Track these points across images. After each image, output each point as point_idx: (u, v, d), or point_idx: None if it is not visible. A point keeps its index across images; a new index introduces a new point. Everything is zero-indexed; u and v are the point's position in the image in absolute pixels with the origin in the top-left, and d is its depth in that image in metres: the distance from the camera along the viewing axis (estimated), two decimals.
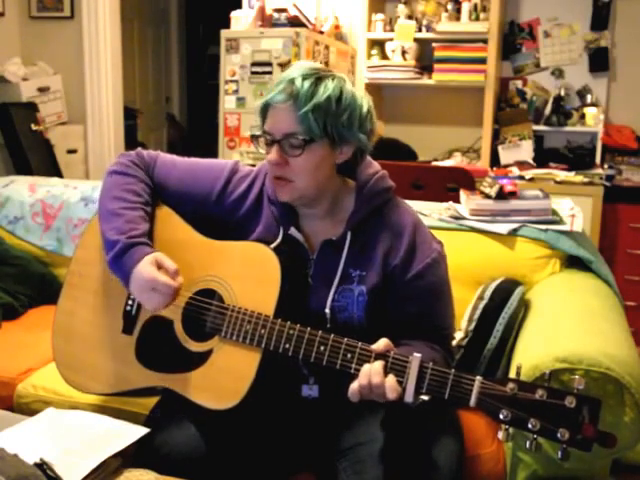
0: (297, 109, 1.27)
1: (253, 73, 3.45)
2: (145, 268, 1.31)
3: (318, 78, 1.29)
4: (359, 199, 1.40)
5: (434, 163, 3.75)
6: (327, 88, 1.28)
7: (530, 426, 1.06)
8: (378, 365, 1.17)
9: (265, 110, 1.33)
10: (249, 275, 1.33)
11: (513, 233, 1.92)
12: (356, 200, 1.40)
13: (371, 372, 1.16)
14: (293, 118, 1.28)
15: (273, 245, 1.36)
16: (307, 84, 1.28)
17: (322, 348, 1.23)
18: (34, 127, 3.73)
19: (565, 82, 3.82)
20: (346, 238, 1.38)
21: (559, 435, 1.05)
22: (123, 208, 1.39)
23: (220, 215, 1.45)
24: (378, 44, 3.96)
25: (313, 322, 1.28)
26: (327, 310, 1.34)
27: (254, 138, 1.36)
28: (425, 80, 3.85)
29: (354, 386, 1.18)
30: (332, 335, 1.23)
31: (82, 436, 1.26)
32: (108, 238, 1.37)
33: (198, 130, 6.48)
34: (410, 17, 3.90)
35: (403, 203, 1.46)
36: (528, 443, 1.08)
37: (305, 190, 1.34)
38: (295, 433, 1.38)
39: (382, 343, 1.20)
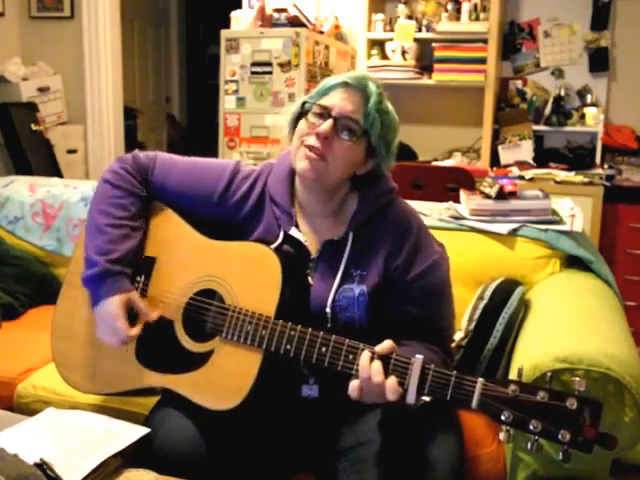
0: (366, 102, 1.33)
1: (253, 73, 3.45)
2: (113, 307, 1.34)
3: (381, 93, 1.36)
4: (362, 200, 1.40)
5: (434, 163, 3.75)
6: (388, 105, 1.37)
7: (531, 427, 1.06)
8: (377, 365, 1.17)
9: (330, 88, 1.35)
10: (250, 275, 1.33)
11: (513, 233, 1.92)
12: (359, 201, 1.41)
13: (371, 370, 1.16)
14: (360, 108, 1.33)
15: (274, 245, 1.36)
16: (377, 91, 1.35)
17: (324, 349, 1.23)
18: (34, 127, 3.73)
19: (565, 82, 3.82)
20: (348, 238, 1.38)
21: (560, 437, 1.05)
22: (107, 225, 1.40)
23: (222, 216, 1.44)
24: (378, 44, 3.96)
25: (314, 322, 1.28)
26: (328, 310, 1.34)
27: (305, 104, 1.37)
28: (425, 80, 3.85)
29: (354, 383, 1.17)
30: (334, 336, 1.23)
31: (82, 436, 1.26)
32: (88, 255, 1.39)
33: (198, 130, 6.48)
34: (410, 17, 3.90)
35: (406, 204, 1.46)
36: (529, 444, 1.08)
37: (332, 176, 1.34)
38: (295, 433, 1.38)
39: (386, 345, 1.19)
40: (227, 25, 3.67)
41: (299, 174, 1.38)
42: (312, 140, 1.32)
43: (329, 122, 1.31)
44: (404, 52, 3.84)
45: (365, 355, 1.18)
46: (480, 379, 1.12)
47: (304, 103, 1.37)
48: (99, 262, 1.35)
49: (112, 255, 1.37)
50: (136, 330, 1.36)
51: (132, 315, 1.40)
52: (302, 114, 1.37)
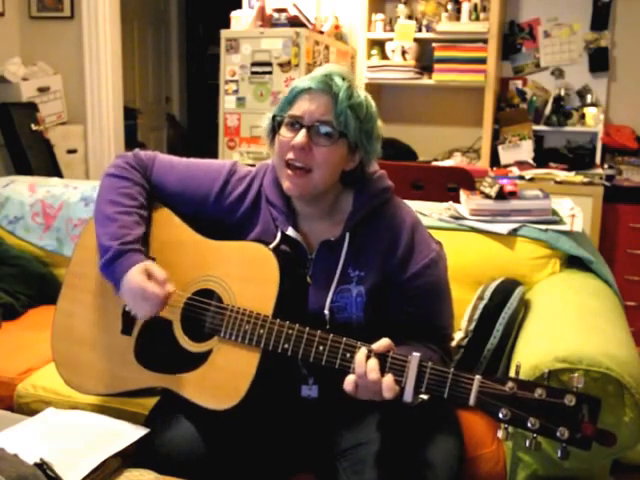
0: (335, 103, 1.30)
1: (253, 73, 3.45)
2: (135, 277, 1.32)
3: (350, 85, 1.33)
4: (358, 199, 1.40)
5: (434, 163, 3.75)
6: (360, 95, 1.33)
7: (529, 425, 1.06)
8: (373, 362, 1.16)
9: (296, 96, 1.33)
10: (248, 275, 1.33)
11: (513, 233, 1.92)
12: (355, 200, 1.40)
13: (367, 367, 1.16)
14: (330, 110, 1.30)
15: (272, 245, 1.36)
16: (345, 85, 1.31)
17: (321, 348, 1.23)
18: (34, 127, 3.74)
19: (565, 82, 3.82)
20: (345, 238, 1.38)
21: (558, 434, 1.05)
22: (118, 212, 1.40)
23: (218, 215, 1.45)
24: (378, 44, 3.96)
25: (312, 322, 1.28)
26: (326, 311, 1.34)
27: (275, 118, 1.35)
28: (425, 80, 3.85)
29: (350, 378, 1.17)
30: (331, 335, 1.23)
31: (82, 436, 1.26)
32: (102, 243, 1.38)
33: (198, 130, 6.48)
34: (410, 17, 3.90)
35: (402, 203, 1.46)
36: (528, 442, 1.08)
37: (318, 184, 1.33)
38: (294, 433, 1.38)
39: (383, 343, 1.19)
40: (227, 25, 3.68)
41: (286, 192, 1.36)
42: (291, 155, 1.31)
43: (302, 132, 1.29)
44: (404, 52, 3.84)
45: (361, 352, 1.18)
46: (477, 376, 1.12)
47: (274, 117, 1.36)
48: (112, 246, 1.35)
49: (125, 238, 1.36)
50: (168, 288, 1.32)
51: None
52: (275, 128, 1.36)
